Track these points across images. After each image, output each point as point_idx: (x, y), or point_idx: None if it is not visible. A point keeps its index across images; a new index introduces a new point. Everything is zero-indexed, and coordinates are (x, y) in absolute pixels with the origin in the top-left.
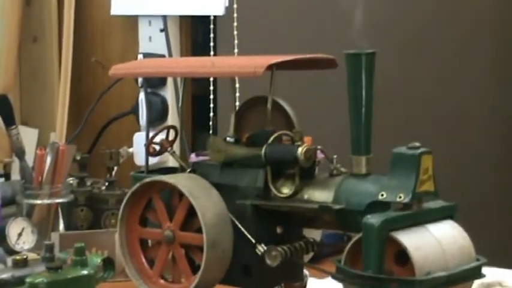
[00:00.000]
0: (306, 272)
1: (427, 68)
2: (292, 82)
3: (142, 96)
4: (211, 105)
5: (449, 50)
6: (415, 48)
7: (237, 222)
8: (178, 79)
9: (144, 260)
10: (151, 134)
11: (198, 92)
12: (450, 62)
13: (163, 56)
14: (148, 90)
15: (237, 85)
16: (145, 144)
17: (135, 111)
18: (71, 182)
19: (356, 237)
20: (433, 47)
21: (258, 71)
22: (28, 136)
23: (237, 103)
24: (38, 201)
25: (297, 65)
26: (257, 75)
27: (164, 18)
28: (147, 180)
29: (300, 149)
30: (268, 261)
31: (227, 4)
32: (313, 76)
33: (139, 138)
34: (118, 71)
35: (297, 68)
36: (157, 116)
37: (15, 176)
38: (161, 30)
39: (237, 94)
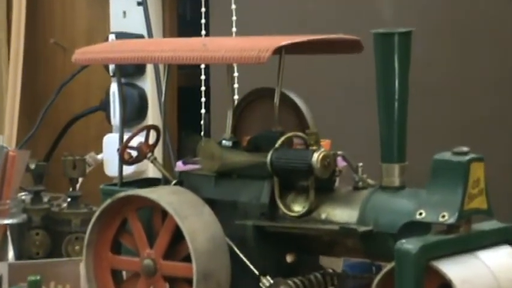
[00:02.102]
0: None
1: (482, 59)
2: (305, 70)
3: (114, 88)
4: (203, 99)
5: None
6: (466, 32)
7: (235, 248)
8: (161, 66)
9: None
10: (126, 136)
11: (185, 82)
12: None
13: (141, 36)
14: (123, 80)
15: (236, 74)
16: (118, 149)
17: (105, 107)
18: (23, 197)
19: (387, 267)
20: (491, 39)
21: (263, 55)
22: None
23: (236, 97)
24: None
25: (312, 48)
26: (261, 60)
27: None
28: (121, 195)
29: (315, 155)
30: None
31: None
32: (332, 62)
33: (110, 142)
34: (83, 56)
35: (311, 52)
36: (134, 113)
37: None
38: (138, 4)
39: (236, 85)
